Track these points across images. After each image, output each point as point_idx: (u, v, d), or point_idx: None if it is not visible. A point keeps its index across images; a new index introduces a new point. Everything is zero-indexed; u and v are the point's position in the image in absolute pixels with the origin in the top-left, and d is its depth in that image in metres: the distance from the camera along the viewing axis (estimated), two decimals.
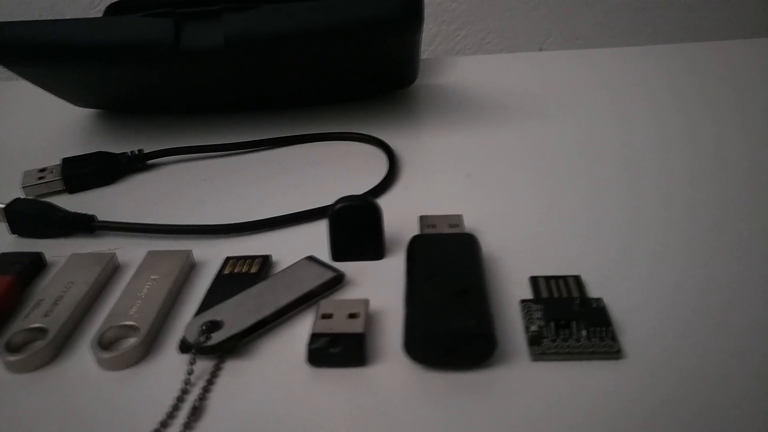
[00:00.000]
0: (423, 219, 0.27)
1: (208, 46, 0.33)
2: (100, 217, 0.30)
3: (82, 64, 0.33)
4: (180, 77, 0.35)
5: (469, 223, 0.28)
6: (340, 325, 0.21)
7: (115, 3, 0.39)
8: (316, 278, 0.24)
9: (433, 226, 0.27)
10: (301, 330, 0.23)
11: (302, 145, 0.37)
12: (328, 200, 0.27)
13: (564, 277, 0.24)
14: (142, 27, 0.32)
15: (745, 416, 0.18)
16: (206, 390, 0.20)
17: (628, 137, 0.35)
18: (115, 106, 0.41)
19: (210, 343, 0.21)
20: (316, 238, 0.28)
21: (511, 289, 0.24)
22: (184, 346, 0.22)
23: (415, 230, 0.27)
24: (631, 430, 0.18)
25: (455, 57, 0.51)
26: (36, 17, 0.66)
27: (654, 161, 0.33)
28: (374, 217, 0.26)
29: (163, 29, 0.32)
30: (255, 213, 0.30)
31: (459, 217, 0.27)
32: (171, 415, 0.19)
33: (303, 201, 0.31)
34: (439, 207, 0.30)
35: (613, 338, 0.21)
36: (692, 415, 0.18)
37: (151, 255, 0.26)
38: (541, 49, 0.67)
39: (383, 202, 0.31)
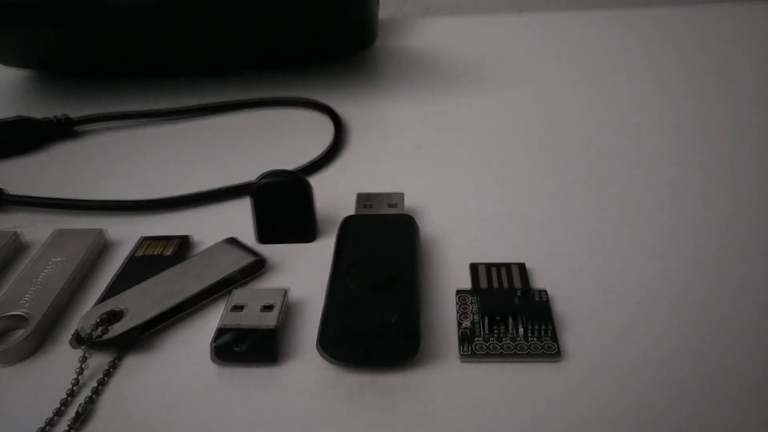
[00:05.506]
0: (360, 197, 0.25)
1: (135, 1, 0.29)
2: (15, 191, 0.28)
3: (2, 16, 0.30)
4: (109, 35, 0.32)
5: (413, 202, 0.26)
6: (250, 318, 0.19)
7: None
8: (234, 263, 0.22)
9: (370, 206, 0.24)
10: (212, 321, 0.20)
11: (245, 112, 0.34)
12: None
13: (507, 265, 0.22)
14: None
15: (686, 418, 0.16)
16: (96, 392, 0.18)
17: (600, 112, 0.33)
18: (44, 65, 0.38)
19: (106, 336, 0.19)
20: (245, 218, 0.25)
21: (450, 277, 0.22)
22: (77, 340, 0.20)
23: (353, 209, 0.25)
24: None
25: (423, 18, 0.48)
26: None
27: (624, 141, 0.30)
28: (303, 194, 0.23)
29: None
30: (187, 187, 0.28)
31: (400, 195, 0.24)
32: (51, 422, 0.17)
33: (240, 175, 0.28)
34: (384, 183, 0.27)
35: (554, 338, 0.19)
36: (628, 422, 0.16)
37: (58, 234, 0.24)
38: (521, 11, 0.63)
39: (325, 176, 0.28)
